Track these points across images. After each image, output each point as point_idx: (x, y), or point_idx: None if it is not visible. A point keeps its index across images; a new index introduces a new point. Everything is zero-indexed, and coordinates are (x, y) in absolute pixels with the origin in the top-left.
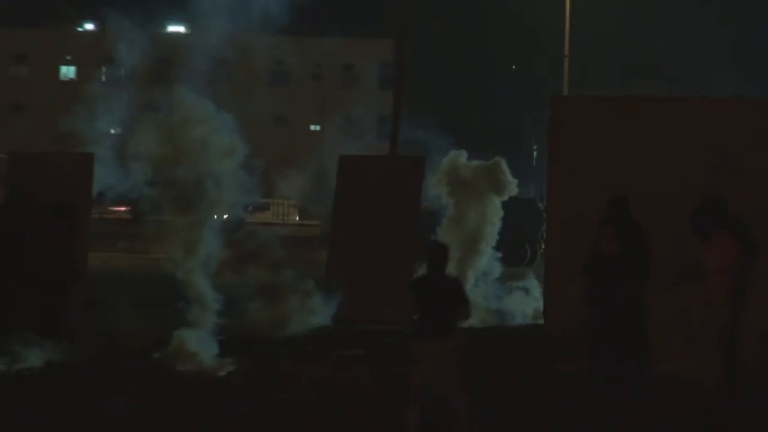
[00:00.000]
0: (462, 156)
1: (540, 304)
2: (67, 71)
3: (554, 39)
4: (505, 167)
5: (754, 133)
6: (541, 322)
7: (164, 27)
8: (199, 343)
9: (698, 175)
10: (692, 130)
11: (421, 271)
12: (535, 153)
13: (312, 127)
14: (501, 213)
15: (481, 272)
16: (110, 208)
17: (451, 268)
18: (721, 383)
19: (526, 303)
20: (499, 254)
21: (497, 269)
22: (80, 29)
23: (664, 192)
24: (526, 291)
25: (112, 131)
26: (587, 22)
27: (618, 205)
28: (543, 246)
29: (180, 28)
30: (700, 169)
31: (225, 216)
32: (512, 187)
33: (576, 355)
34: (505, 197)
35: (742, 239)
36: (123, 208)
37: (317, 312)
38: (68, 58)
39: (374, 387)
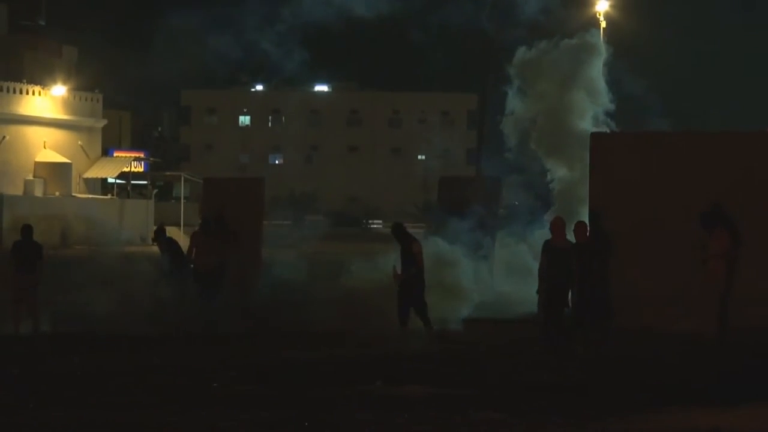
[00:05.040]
0: None
1: None
2: (244, 120)
3: None
4: None
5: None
6: None
7: (313, 86)
8: None
9: (707, 194)
10: (700, 158)
11: None
12: None
13: (419, 157)
14: None
15: None
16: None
17: None
18: (720, 334)
19: None
20: None
21: None
22: (252, 89)
23: (681, 206)
24: None
25: (277, 162)
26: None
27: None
28: None
29: (324, 87)
30: (708, 190)
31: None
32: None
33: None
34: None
35: (734, 234)
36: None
37: None
38: (244, 110)
39: None
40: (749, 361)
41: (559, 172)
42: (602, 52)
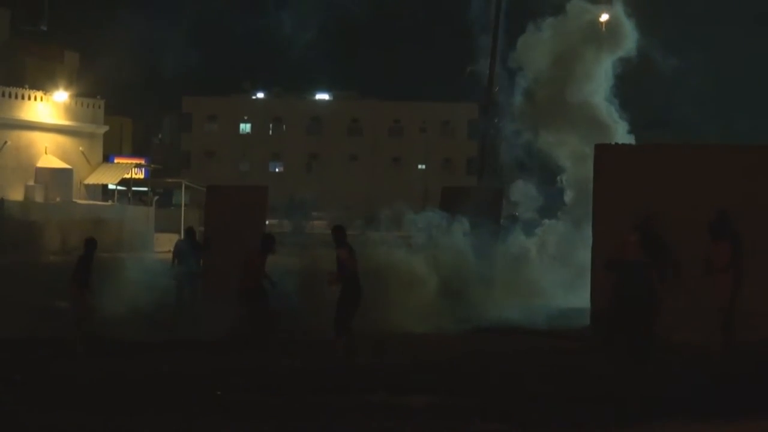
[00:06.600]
0: None
1: None
2: (245, 127)
3: None
4: None
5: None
6: None
7: (314, 95)
8: None
9: (711, 206)
10: (704, 170)
11: None
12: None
13: (419, 166)
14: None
15: None
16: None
17: None
18: (723, 345)
19: None
20: None
21: None
22: (254, 97)
23: (685, 218)
24: None
25: (277, 169)
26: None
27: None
28: None
29: (325, 96)
30: (712, 202)
31: None
32: None
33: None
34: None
35: (737, 247)
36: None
37: None
38: (245, 117)
39: None
40: (753, 373)
41: (569, 168)
42: (625, 37)
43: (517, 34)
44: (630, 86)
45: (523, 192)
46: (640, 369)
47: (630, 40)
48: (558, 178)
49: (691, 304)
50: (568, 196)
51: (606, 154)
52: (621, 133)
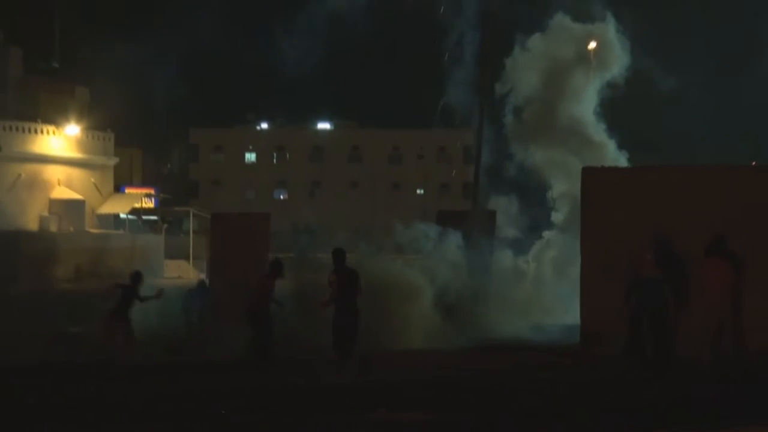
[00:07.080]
0: None
1: None
2: (250, 157)
3: None
4: None
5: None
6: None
7: (315, 124)
8: None
9: (700, 228)
10: (692, 191)
11: None
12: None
13: (418, 191)
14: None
15: None
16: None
17: None
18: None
19: None
20: None
21: None
22: (258, 128)
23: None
24: None
25: (282, 197)
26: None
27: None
28: None
29: (326, 125)
30: (701, 223)
31: None
32: None
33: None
34: None
35: (735, 263)
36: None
37: None
38: (250, 147)
39: None
40: (749, 382)
41: (560, 184)
42: (615, 58)
43: (504, 56)
44: (621, 107)
45: (506, 212)
46: (653, 382)
47: (620, 61)
48: (547, 193)
49: (685, 317)
50: (561, 213)
51: (593, 177)
52: (612, 151)
